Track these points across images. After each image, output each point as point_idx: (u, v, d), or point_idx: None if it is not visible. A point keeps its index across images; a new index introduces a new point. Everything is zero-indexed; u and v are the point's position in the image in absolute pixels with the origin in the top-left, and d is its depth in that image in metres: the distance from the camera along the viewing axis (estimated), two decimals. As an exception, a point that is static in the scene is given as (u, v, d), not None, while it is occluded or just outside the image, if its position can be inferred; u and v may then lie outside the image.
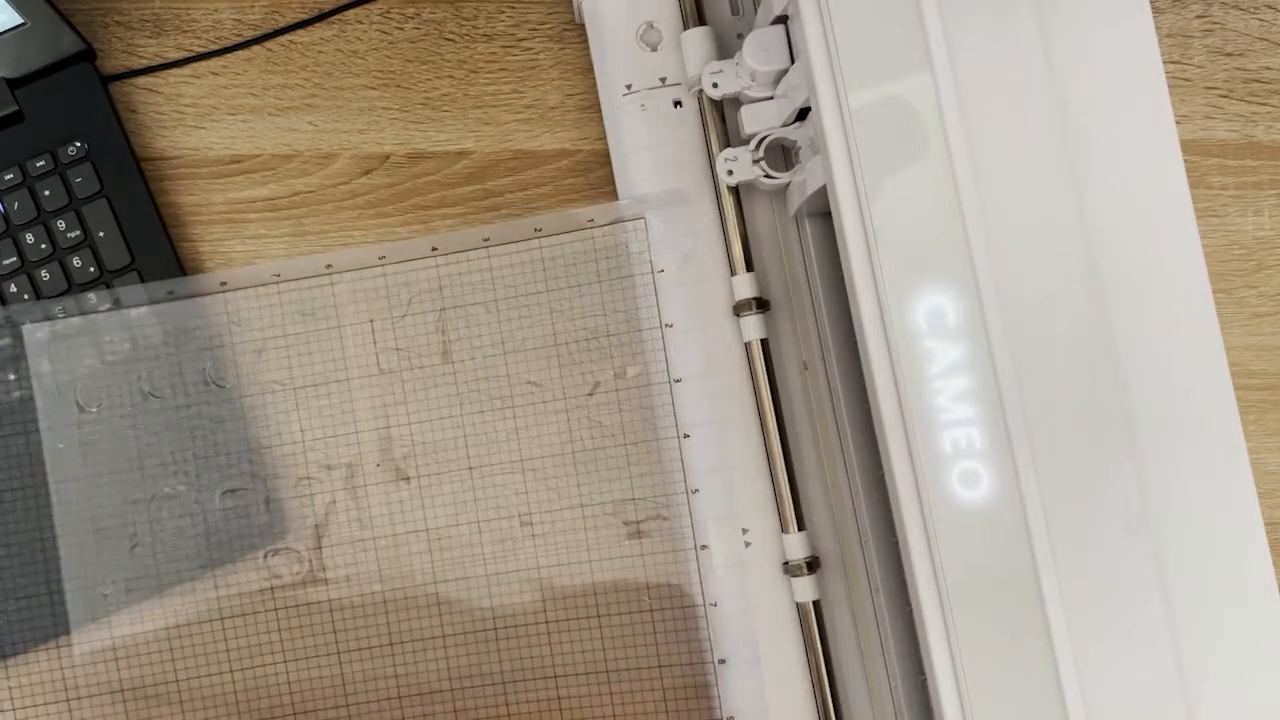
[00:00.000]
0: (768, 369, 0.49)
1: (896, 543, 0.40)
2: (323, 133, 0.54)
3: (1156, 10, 0.55)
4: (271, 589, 0.51)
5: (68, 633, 0.50)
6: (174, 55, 0.54)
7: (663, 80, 0.51)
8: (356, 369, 0.51)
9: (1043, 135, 0.39)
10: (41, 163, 0.52)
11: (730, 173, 0.49)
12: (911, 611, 0.40)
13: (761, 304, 0.49)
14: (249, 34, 0.54)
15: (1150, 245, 0.39)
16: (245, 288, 0.52)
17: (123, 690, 0.50)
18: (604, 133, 0.54)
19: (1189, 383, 0.39)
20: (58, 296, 0.51)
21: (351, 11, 0.55)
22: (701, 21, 0.50)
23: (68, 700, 0.50)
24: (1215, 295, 0.40)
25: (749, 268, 0.49)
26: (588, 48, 0.54)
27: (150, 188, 0.52)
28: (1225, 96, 0.55)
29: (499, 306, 0.51)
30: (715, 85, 0.49)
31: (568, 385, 0.51)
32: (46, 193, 0.52)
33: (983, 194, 0.38)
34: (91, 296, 0.51)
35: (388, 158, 0.54)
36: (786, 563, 0.49)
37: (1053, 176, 0.39)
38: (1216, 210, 0.55)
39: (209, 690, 0.50)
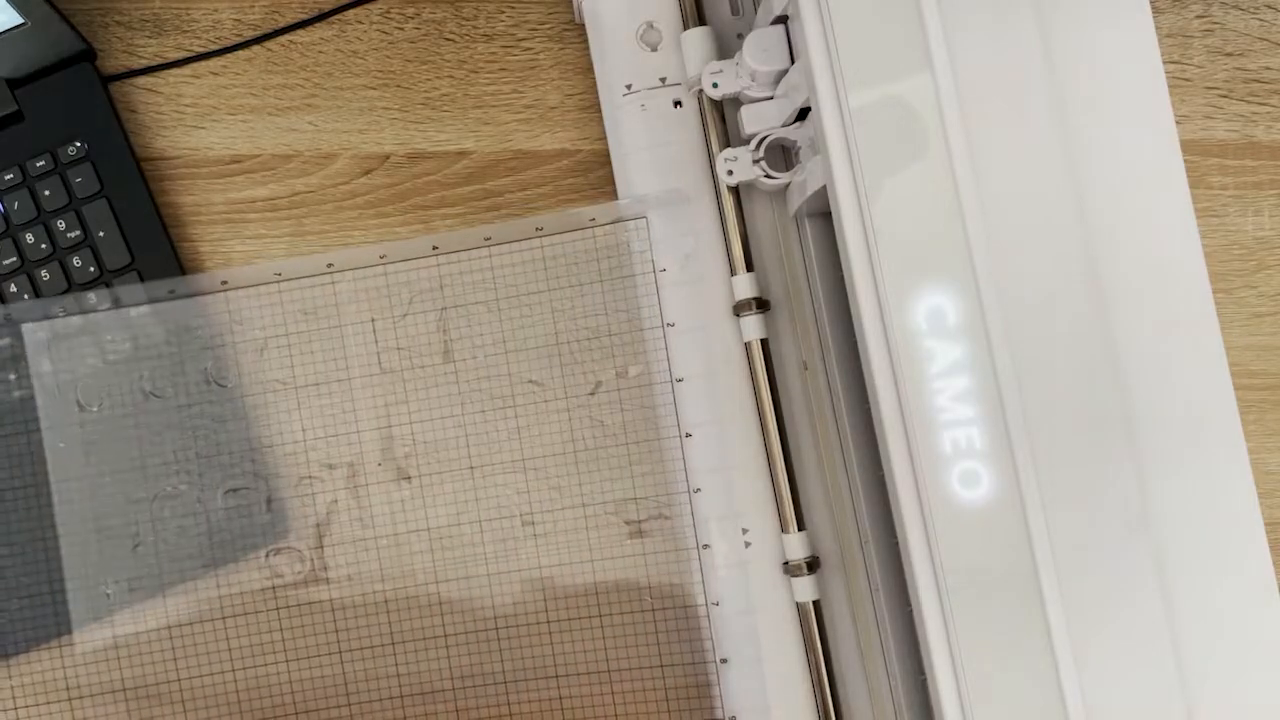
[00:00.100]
0: (768, 369, 0.49)
1: (896, 543, 0.40)
2: (323, 133, 0.54)
3: (1156, 10, 0.55)
4: (273, 588, 0.51)
5: (69, 632, 0.50)
6: (174, 55, 0.54)
7: (663, 80, 0.51)
8: (358, 368, 0.51)
9: (1043, 135, 0.39)
10: (41, 163, 0.52)
11: (730, 173, 0.49)
12: (911, 611, 0.40)
13: (761, 304, 0.49)
14: (249, 34, 0.54)
15: (1150, 245, 0.39)
16: (246, 286, 0.52)
17: (124, 689, 0.50)
18: (604, 133, 0.54)
19: (1189, 383, 0.39)
20: (58, 296, 0.51)
21: (351, 11, 0.55)
22: (701, 21, 0.50)
23: (69, 699, 0.50)
24: (1215, 295, 0.40)
25: (749, 268, 0.49)
26: (588, 48, 0.54)
27: (150, 188, 0.52)
28: (1225, 96, 0.55)
29: (500, 306, 0.51)
30: (715, 85, 0.49)
31: (569, 384, 0.51)
32: (46, 193, 0.52)
33: (983, 194, 0.38)
34: (92, 296, 0.51)
35: (388, 158, 0.54)
36: (786, 563, 0.49)
37: (1053, 176, 0.39)
38: (1216, 210, 0.55)
39: (211, 690, 0.50)
